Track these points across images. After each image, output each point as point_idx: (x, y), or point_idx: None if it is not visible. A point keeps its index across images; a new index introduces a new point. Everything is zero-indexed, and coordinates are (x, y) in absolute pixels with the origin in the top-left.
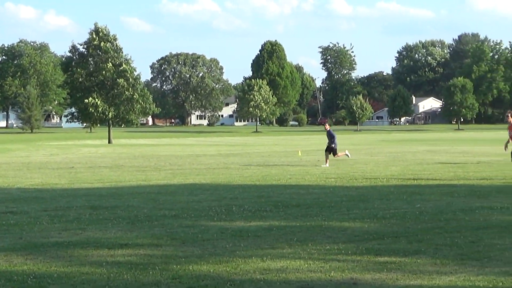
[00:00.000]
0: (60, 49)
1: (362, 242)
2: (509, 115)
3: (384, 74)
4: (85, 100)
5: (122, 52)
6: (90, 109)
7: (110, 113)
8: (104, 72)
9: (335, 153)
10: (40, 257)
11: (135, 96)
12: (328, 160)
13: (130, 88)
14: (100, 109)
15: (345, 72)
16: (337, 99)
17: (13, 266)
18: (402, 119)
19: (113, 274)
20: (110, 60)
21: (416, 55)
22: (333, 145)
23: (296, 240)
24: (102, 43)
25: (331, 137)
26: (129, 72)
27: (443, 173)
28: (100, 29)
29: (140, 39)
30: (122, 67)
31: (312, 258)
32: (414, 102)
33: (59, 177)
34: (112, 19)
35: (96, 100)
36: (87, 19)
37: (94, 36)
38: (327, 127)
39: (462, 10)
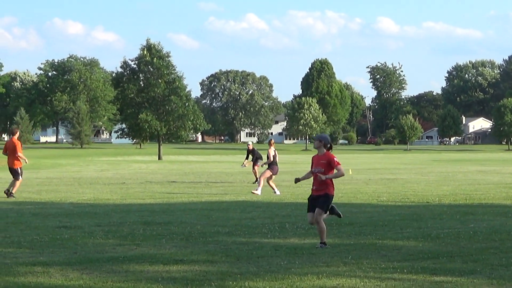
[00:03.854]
0: (108, 64)
1: (417, 261)
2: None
3: (434, 93)
4: (140, 116)
5: (175, 69)
6: (143, 125)
7: (161, 129)
8: (155, 88)
9: None
10: (95, 272)
11: (187, 113)
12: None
13: (182, 105)
14: (152, 125)
15: (395, 91)
16: (387, 118)
17: (69, 280)
18: (452, 139)
19: None
20: (162, 76)
21: (466, 75)
22: None
23: (351, 258)
24: (154, 60)
25: None
26: (181, 89)
27: (495, 194)
28: (152, 46)
29: (187, 56)
30: (174, 84)
31: (367, 276)
32: (464, 122)
33: (111, 192)
34: (160, 36)
35: (149, 116)
36: (135, 35)
37: (146, 52)
38: None
39: (509, 31)
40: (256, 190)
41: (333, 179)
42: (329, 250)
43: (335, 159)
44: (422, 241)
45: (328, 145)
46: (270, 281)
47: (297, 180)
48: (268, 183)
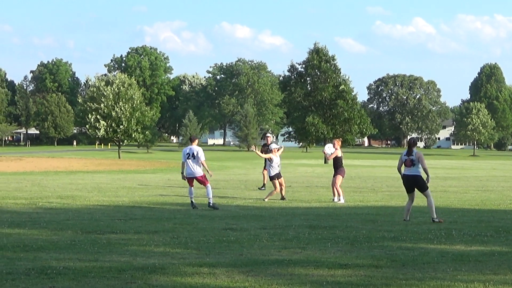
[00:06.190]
0: (275, 68)
1: None
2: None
3: None
4: (306, 119)
5: (341, 73)
6: (310, 128)
7: (328, 133)
8: (322, 92)
9: None
10: (261, 274)
11: (353, 117)
12: None
13: (348, 109)
14: (318, 129)
15: None
16: None
17: (234, 282)
18: None
19: None
20: (329, 80)
21: None
22: None
23: None
24: (322, 63)
25: None
26: (347, 92)
27: None
28: (320, 49)
29: (354, 59)
30: (341, 88)
31: None
32: None
33: (276, 195)
34: (326, 40)
35: (315, 119)
36: (301, 39)
37: (314, 55)
38: None
39: None
40: (339, 200)
41: None
42: (497, 258)
43: None
44: None
45: None
46: None
47: None
48: (336, 188)
